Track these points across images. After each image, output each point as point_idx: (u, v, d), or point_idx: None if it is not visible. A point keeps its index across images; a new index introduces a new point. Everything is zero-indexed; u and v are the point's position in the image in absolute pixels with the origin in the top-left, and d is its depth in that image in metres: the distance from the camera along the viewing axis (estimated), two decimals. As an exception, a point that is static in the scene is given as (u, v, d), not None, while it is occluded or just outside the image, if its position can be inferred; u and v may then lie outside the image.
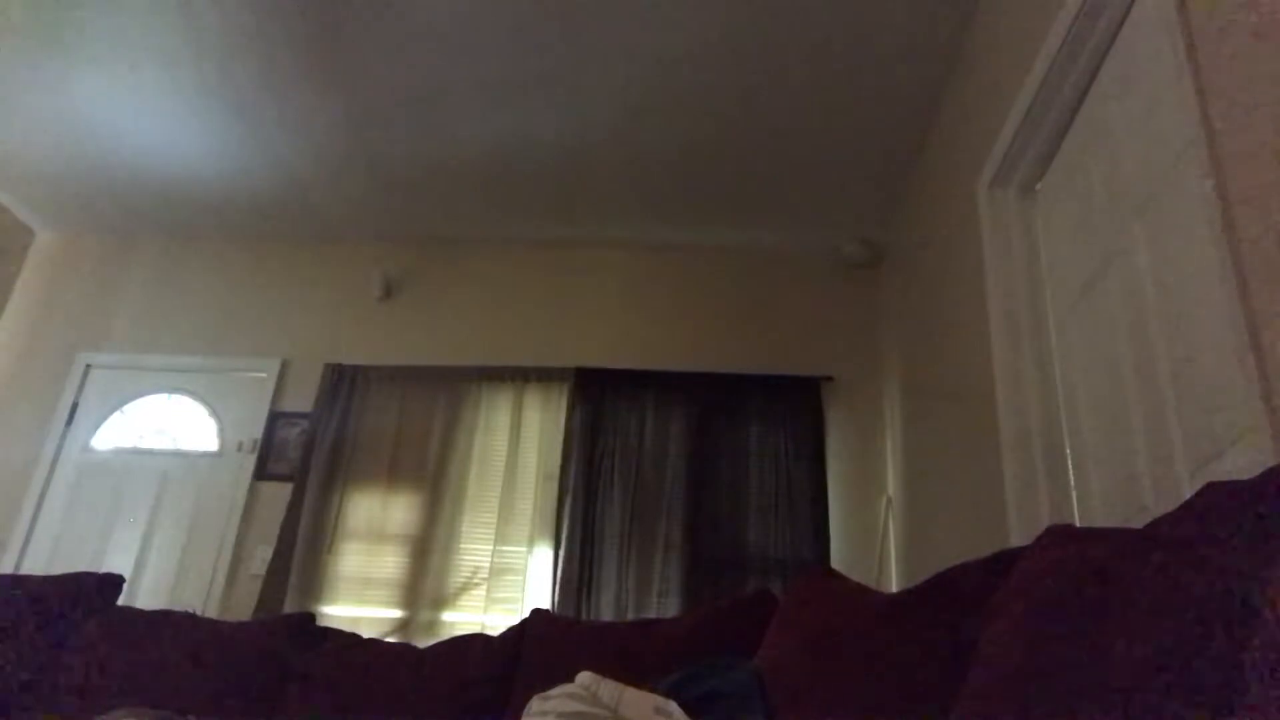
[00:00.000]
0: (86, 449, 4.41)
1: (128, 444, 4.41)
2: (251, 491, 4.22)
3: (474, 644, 2.08)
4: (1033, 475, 2.32)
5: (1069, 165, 2.36)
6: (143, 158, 4.18)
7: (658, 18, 3.16)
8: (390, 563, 4.00)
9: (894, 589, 3.69)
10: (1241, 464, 1.45)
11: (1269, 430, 1.31)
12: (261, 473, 4.26)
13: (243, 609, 3.94)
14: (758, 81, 3.44)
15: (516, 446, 4.18)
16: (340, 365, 4.40)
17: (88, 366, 4.56)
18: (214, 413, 4.45)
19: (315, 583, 3.95)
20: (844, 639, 1.35)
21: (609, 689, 1.19)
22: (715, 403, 4.20)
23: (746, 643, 1.79)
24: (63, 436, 4.41)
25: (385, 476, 4.17)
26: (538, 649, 2.01)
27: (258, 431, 4.34)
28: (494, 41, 3.32)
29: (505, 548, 3.99)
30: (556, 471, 4.09)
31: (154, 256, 4.83)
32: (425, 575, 3.94)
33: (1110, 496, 2.02)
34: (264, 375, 4.47)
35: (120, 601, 2.37)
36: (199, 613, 3.56)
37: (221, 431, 4.40)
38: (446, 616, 3.88)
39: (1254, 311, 1.36)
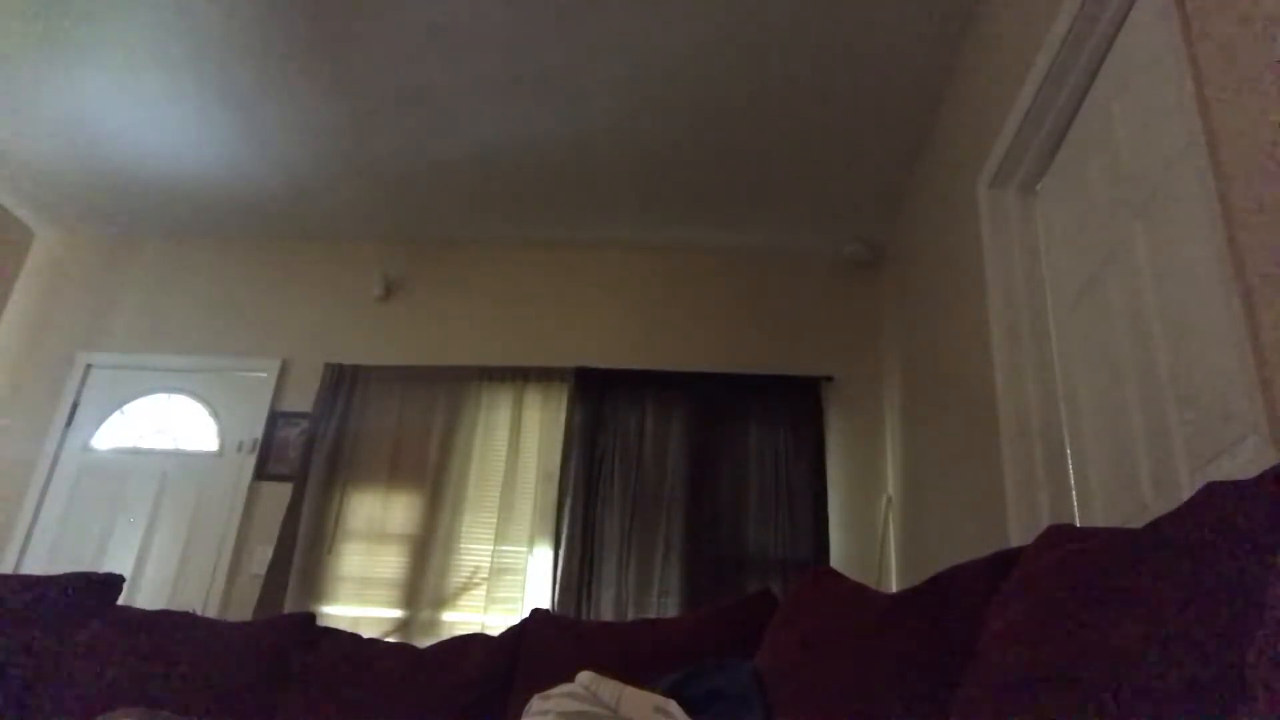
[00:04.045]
0: (86, 449, 4.41)
1: (128, 444, 4.41)
2: (251, 491, 4.22)
3: (474, 644, 2.08)
4: (1033, 475, 2.32)
5: (1069, 165, 2.36)
6: (143, 158, 4.18)
7: (657, 18, 3.16)
8: (390, 563, 4.00)
9: (894, 589, 3.69)
10: (1241, 464, 1.45)
11: (1269, 430, 1.31)
12: (261, 473, 4.26)
13: (243, 609, 3.94)
14: (758, 81, 3.44)
15: (516, 446, 4.18)
16: (340, 365, 4.40)
17: (88, 366, 4.56)
18: (214, 413, 4.45)
19: (315, 583, 3.95)
20: (844, 639, 1.35)
21: (609, 688, 1.19)
22: (715, 403, 4.20)
23: (746, 643, 1.79)
24: (63, 436, 4.41)
25: (385, 476, 4.17)
26: (538, 649, 2.00)
27: (258, 431, 4.34)
28: (494, 41, 3.32)
29: (505, 548, 3.99)
30: (556, 471, 4.09)
31: (154, 256, 4.83)
32: (425, 575, 3.94)
33: (1110, 496, 2.02)
34: (264, 375, 4.47)
35: (120, 601, 2.37)
36: (199, 613, 3.57)
37: (221, 431, 4.40)
38: (446, 616, 3.88)
39: (1254, 311, 1.36)
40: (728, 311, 4.49)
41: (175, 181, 4.35)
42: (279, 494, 4.19)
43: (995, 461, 2.51)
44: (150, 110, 3.83)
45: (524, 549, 3.99)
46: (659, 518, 3.97)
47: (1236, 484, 0.82)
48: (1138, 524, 1.09)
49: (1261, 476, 0.80)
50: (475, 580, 3.95)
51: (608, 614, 3.77)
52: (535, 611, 2.14)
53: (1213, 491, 0.84)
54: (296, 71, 3.54)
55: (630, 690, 1.20)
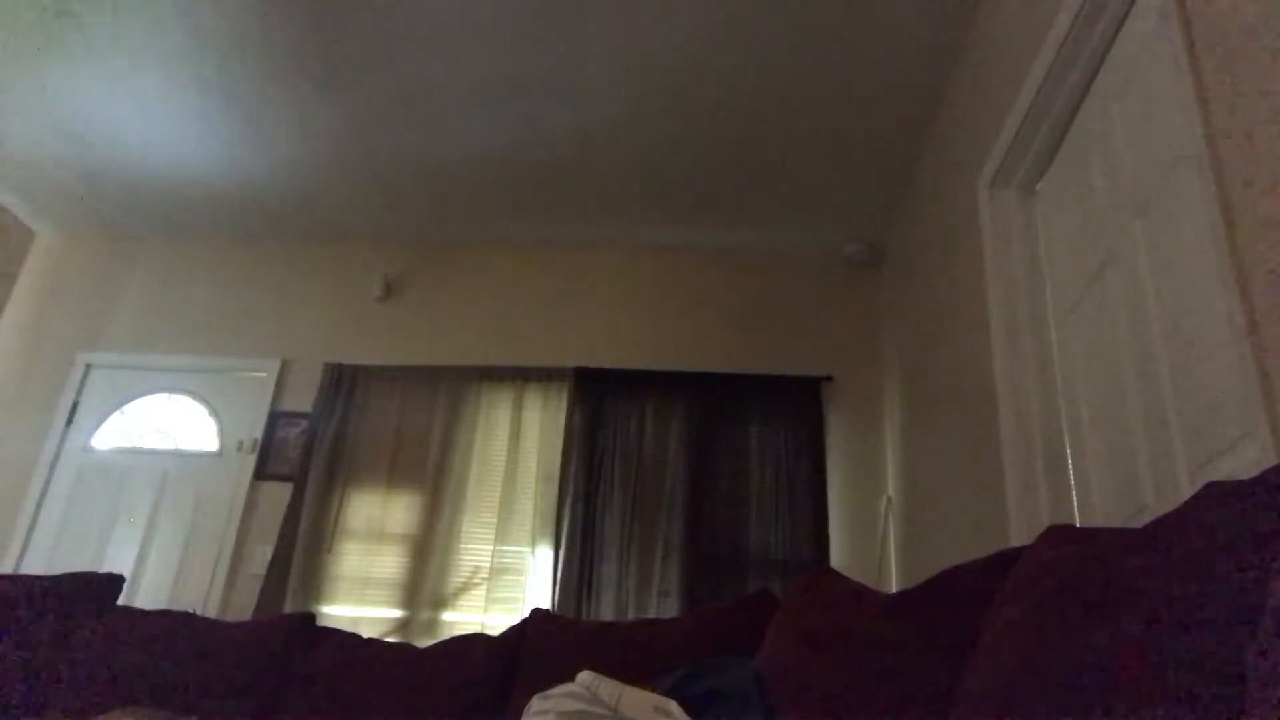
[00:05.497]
0: (86, 449, 4.41)
1: (128, 444, 4.41)
2: (251, 491, 4.22)
3: (474, 644, 2.08)
4: (1033, 475, 2.32)
5: (1069, 165, 2.36)
6: (143, 158, 4.18)
7: (657, 17, 3.16)
8: (390, 563, 4.00)
9: (894, 589, 3.69)
10: (1241, 464, 1.45)
11: (1269, 430, 1.31)
12: (261, 473, 4.26)
13: (243, 609, 3.94)
14: (758, 81, 3.44)
15: (516, 446, 4.18)
16: (340, 365, 4.40)
17: (88, 366, 4.56)
18: (214, 413, 4.45)
19: (315, 583, 3.95)
20: (844, 639, 1.35)
21: (609, 688, 1.19)
22: (715, 403, 4.20)
23: (746, 643, 1.79)
24: (63, 436, 4.41)
25: (385, 476, 4.17)
26: (538, 649, 2.01)
27: (258, 431, 4.34)
28: (494, 41, 3.32)
29: (505, 548, 3.99)
30: (556, 471, 4.09)
31: (154, 256, 4.84)
32: (425, 575, 3.94)
33: (1110, 496, 2.02)
34: (264, 375, 4.48)
35: (120, 601, 2.37)
36: (199, 613, 3.57)
37: (221, 431, 4.40)
38: (446, 616, 3.88)
39: (1254, 311, 1.36)
40: (727, 311, 4.49)
41: (175, 181, 4.35)
42: (279, 494, 4.19)
43: (995, 461, 2.51)
44: (150, 110, 3.83)
45: (524, 549, 3.99)
46: (659, 518, 3.97)
47: (1236, 484, 0.82)
48: (1138, 524, 1.09)
49: (1261, 476, 0.80)
50: (475, 580, 3.95)
51: (608, 614, 3.77)
52: (535, 611, 2.14)
53: (1213, 491, 0.84)
54: (296, 71, 3.54)
55: (630, 690, 1.20)
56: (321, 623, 2.31)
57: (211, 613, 3.94)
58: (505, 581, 3.93)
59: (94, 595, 2.24)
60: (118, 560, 4.13)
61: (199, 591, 4.03)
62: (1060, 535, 1.06)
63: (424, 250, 4.75)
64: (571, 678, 1.25)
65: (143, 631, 2.11)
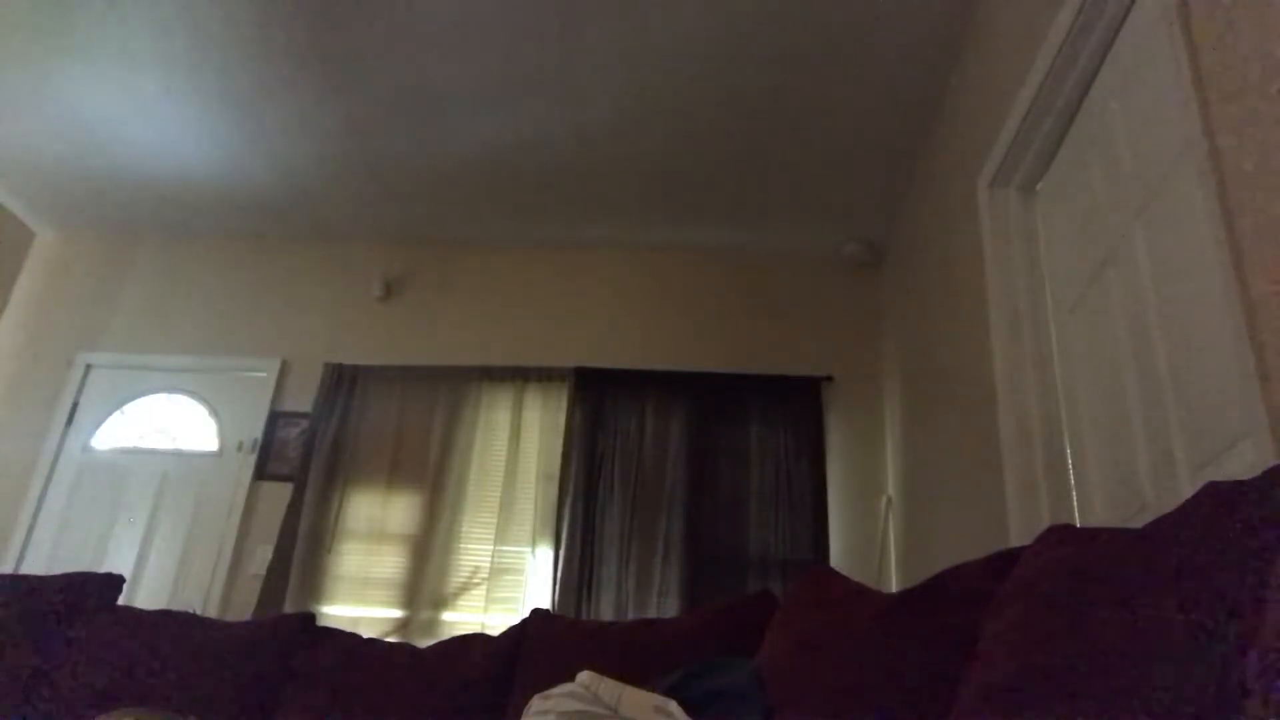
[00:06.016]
0: (86, 449, 4.41)
1: (128, 444, 4.41)
2: (251, 491, 4.22)
3: (474, 644, 2.08)
4: (1033, 475, 2.32)
5: (1069, 165, 2.36)
6: (143, 158, 4.18)
7: (657, 18, 3.16)
8: (390, 563, 4.00)
9: (894, 589, 3.69)
10: (1241, 464, 1.45)
11: (1269, 430, 1.31)
12: (261, 473, 4.26)
13: (243, 609, 3.94)
14: (758, 81, 3.44)
15: (516, 446, 4.18)
16: (340, 365, 4.40)
17: (88, 366, 4.56)
18: (214, 413, 4.45)
19: (315, 583, 3.95)
20: (843, 639, 1.35)
21: (609, 688, 1.19)
22: (715, 403, 4.20)
23: (746, 643, 1.79)
24: (63, 436, 4.41)
25: (385, 476, 4.17)
26: (538, 649, 2.00)
27: (258, 431, 4.34)
28: (493, 42, 3.32)
29: (505, 548, 3.99)
30: (556, 471, 4.09)
31: (154, 256, 4.83)
32: (425, 575, 3.94)
33: (1110, 496, 2.02)
34: (264, 375, 4.47)
35: (120, 601, 2.37)
36: (199, 613, 3.56)
37: (221, 431, 4.40)
38: (446, 616, 3.88)
39: (1254, 311, 1.36)
40: (727, 311, 4.49)
41: (175, 181, 4.35)
42: (279, 494, 4.19)
43: (995, 461, 2.51)
44: (150, 110, 3.83)
45: (524, 549, 3.99)
46: (659, 518, 3.97)
47: (1236, 484, 0.82)
48: (1138, 524, 1.09)
49: (1261, 476, 0.80)
50: (475, 580, 3.95)
51: (608, 614, 3.77)
52: (535, 611, 2.14)
53: (1213, 491, 0.84)
54: (296, 71, 3.54)
55: (630, 690, 1.20)
56: (321, 623, 2.31)
57: (211, 613, 3.94)
58: (505, 581, 3.93)
59: (93, 595, 2.24)
60: (118, 560, 4.13)
61: (199, 591, 4.03)
62: (1060, 535, 1.06)
63: (424, 250, 4.74)
64: (571, 678, 1.25)
65: (143, 631, 2.11)
